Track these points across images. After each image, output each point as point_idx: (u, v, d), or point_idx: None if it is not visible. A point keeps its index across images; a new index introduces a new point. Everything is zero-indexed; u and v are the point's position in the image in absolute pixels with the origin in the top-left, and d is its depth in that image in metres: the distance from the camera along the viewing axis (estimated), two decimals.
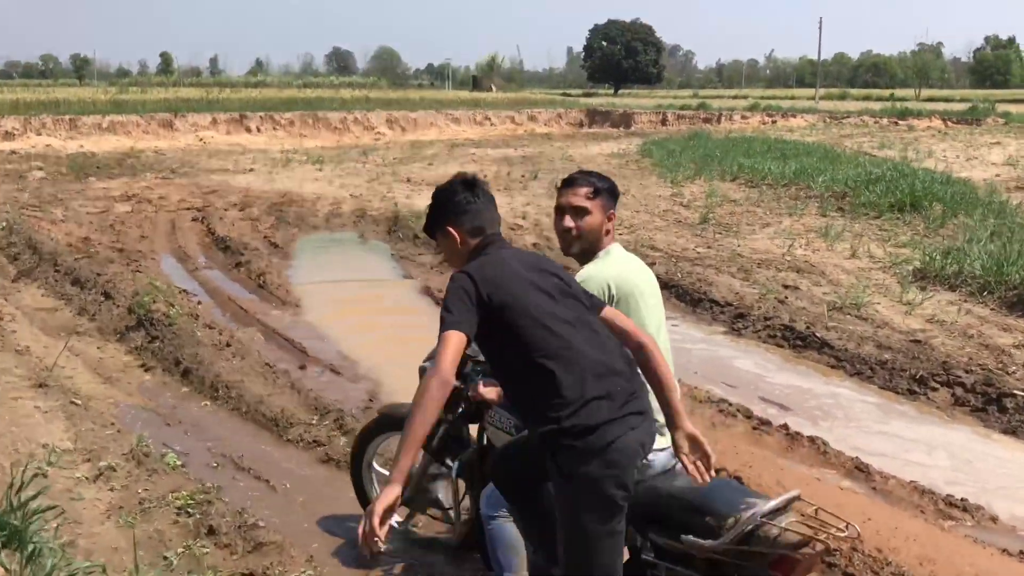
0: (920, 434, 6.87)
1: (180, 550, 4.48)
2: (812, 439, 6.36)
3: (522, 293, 3.24)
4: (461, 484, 4.43)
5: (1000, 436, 6.75)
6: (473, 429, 4.45)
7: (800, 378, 8.05)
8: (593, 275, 3.71)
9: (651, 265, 11.36)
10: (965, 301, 9.65)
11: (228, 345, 8.05)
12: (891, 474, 5.89)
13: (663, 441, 3.51)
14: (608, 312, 3.45)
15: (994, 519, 5.30)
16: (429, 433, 4.33)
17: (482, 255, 3.39)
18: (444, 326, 3.11)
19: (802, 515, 3.28)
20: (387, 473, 4.02)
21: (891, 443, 6.72)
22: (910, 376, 7.64)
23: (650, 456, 3.46)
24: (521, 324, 3.19)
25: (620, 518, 3.19)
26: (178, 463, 5.58)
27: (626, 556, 3.61)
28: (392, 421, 4.60)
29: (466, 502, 4.45)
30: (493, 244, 3.44)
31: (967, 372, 7.53)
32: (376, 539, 2.81)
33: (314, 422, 6.40)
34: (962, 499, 5.48)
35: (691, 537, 3.24)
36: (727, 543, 3.16)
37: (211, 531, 4.59)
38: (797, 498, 3.34)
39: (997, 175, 21.03)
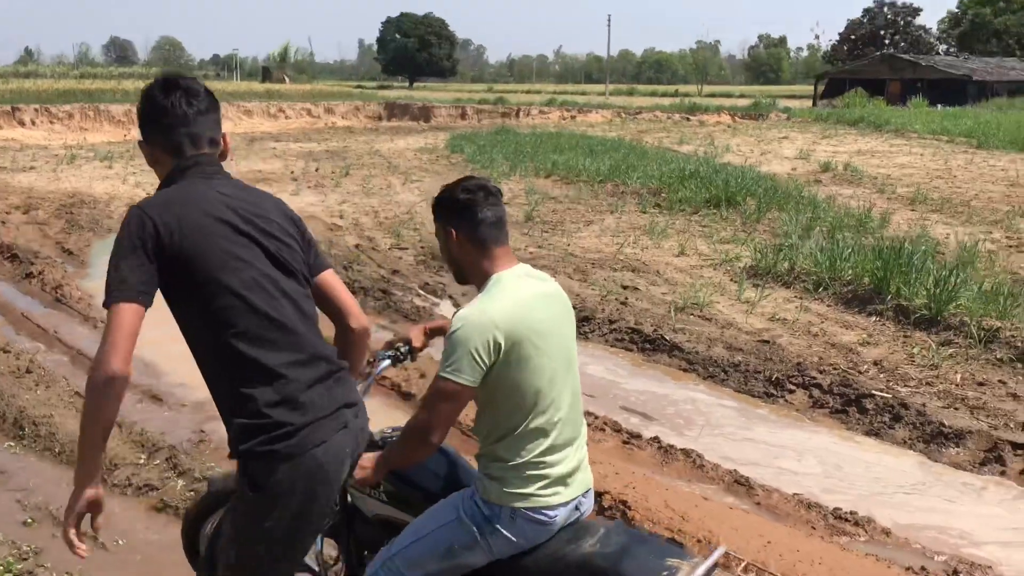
0: (785, 439, 6.73)
1: None
2: (687, 452, 6.10)
3: (219, 247, 2.61)
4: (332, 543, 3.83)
5: (864, 438, 6.69)
6: None
7: (655, 383, 7.81)
8: (469, 320, 2.85)
9: None
10: (801, 298, 9.72)
11: (28, 372, 7.07)
12: (772, 487, 5.68)
13: (565, 494, 3.01)
14: (328, 278, 2.98)
15: (887, 532, 5.15)
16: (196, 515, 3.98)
17: (176, 182, 2.69)
18: (110, 295, 2.45)
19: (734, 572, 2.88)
20: None
21: (758, 450, 6.55)
22: (765, 378, 7.53)
23: (551, 513, 2.98)
24: (212, 289, 2.58)
25: (311, 541, 2.89)
26: None
27: None
28: (223, 499, 3.69)
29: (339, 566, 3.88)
30: (195, 168, 2.71)
31: (821, 372, 7.48)
32: (78, 549, 2.55)
33: (142, 461, 5.61)
34: (851, 512, 5.32)
35: None
36: None
37: None
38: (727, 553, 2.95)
39: (794, 168, 21.86)
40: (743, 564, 2.92)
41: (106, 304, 2.44)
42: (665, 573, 2.77)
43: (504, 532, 2.93)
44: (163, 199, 2.62)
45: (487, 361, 2.83)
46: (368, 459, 3.14)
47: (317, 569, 3.86)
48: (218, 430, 6.31)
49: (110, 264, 2.47)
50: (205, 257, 2.58)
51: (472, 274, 3.07)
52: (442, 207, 3.12)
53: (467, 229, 3.05)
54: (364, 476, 3.10)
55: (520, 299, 2.94)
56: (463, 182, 3.13)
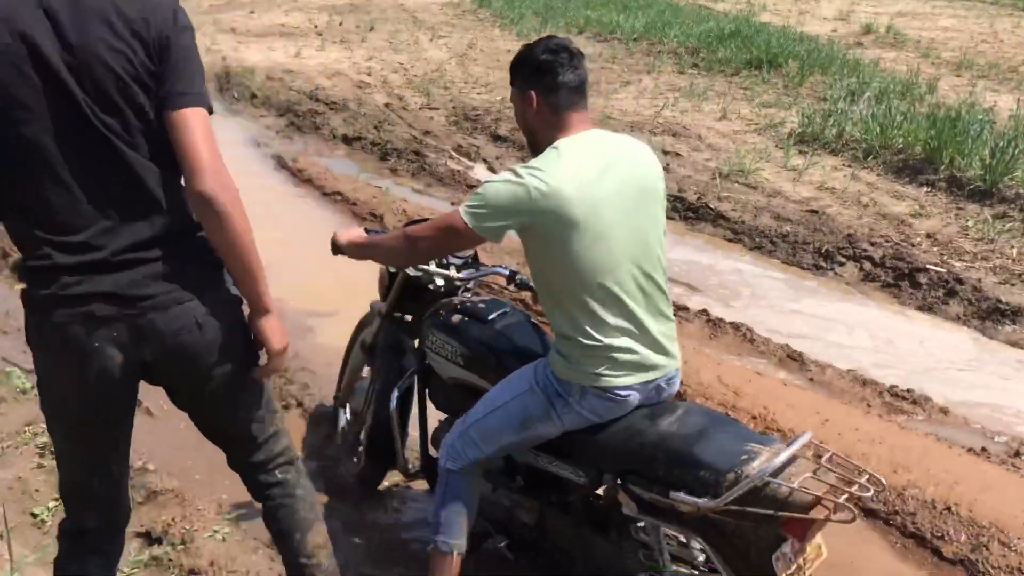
0: (835, 313, 6.58)
1: (52, 504, 3.65)
2: (736, 325, 5.96)
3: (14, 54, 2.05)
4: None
5: (915, 313, 6.53)
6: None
7: (699, 253, 7.62)
8: (511, 177, 2.70)
9: (514, 127, 10.69)
10: (850, 166, 9.40)
11: None
12: (826, 362, 5.55)
13: (642, 375, 2.87)
14: (177, 120, 2.18)
15: (944, 411, 5.04)
16: (363, 326, 3.99)
17: None
18: None
19: (816, 463, 2.69)
20: None
21: (808, 323, 6.41)
22: (814, 249, 7.33)
23: (623, 393, 2.85)
24: None
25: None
26: (28, 385, 4.64)
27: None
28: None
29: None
30: None
31: (872, 245, 7.26)
32: None
33: None
34: (907, 390, 5.19)
35: (682, 495, 2.65)
36: (727, 503, 2.57)
37: None
38: (811, 442, 2.75)
39: (834, 30, 21.04)
40: (829, 455, 2.75)
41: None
42: (744, 457, 2.65)
43: (576, 408, 2.85)
44: None
45: (510, 223, 2.70)
46: (355, 232, 3.21)
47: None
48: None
49: None
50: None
51: (544, 141, 2.84)
52: (522, 69, 2.89)
53: (545, 93, 2.83)
54: (339, 237, 3.18)
55: (576, 168, 2.72)
56: (544, 42, 2.89)
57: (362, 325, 4.19)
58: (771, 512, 2.55)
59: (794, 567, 2.73)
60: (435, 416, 3.71)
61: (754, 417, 4.69)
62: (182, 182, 2.22)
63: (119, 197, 2.18)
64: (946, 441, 4.63)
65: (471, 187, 8.97)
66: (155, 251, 2.22)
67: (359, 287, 5.81)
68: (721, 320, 6.00)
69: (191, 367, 2.33)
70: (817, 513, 2.54)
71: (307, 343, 5.60)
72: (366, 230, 3.31)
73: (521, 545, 3.35)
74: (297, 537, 2.64)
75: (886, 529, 4.01)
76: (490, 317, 3.35)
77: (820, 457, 2.77)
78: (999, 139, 8.72)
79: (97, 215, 2.16)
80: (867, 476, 2.61)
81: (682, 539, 2.92)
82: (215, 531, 3.41)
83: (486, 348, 3.27)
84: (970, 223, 7.69)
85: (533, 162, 2.75)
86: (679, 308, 6.16)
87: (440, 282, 3.49)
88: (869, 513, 4.06)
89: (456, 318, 3.41)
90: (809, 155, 9.67)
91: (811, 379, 5.37)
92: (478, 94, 13.24)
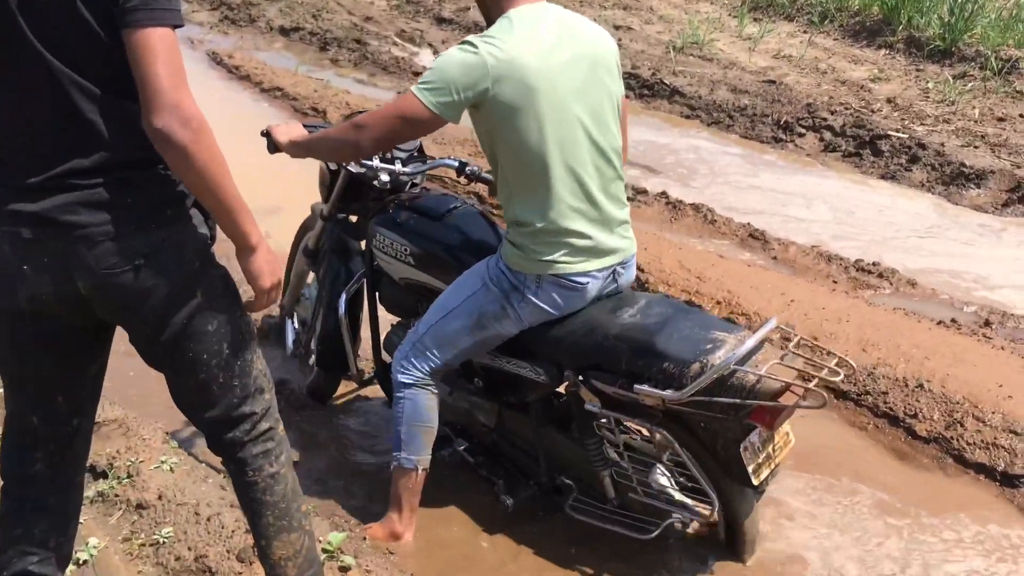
0: (794, 186, 6.42)
1: None
2: (696, 207, 5.77)
3: None
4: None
5: (878, 182, 6.39)
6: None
7: (655, 132, 7.39)
8: (461, 49, 2.55)
9: (459, 7, 10.17)
10: (806, 32, 9.13)
11: None
12: (789, 240, 5.40)
13: (599, 261, 2.74)
14: (133, 42, 1.83)
15: (912, 283, 4.92)
16: (305, 230, 3.70)
17: None
18: None
19: (783, 349, 2.62)
20: None
21: (765, 198, 6.25)
22: (773, 121, 7.13)
23: (581, 280, 2.72)
24: None
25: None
26: None
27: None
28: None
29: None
30: None
31: (832, 113, 7.06)
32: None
33: None
34: (873, 263, 5.06)
35: (646, 387, 2.55)
36: (692, 394, 2.48)
37: None
38: (776, 327, 2.65)
39: None
40: (796, 339, 2.63)
41: None
42: (708, 346, 2.56)
43: (532, 299, 2.74)
44: None
45: (468, 96, 2.53)
46: (294, 129, 3.02)
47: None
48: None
49: None
50: None
51: (496, 12, 2.66)
52: None
53: None
54: (277, 134, 2.99)
55: (531, 36, 2.57)
56: None
57: (304, 229, 3.95)
58: (738, 401, 2.47)
59: (763, 456, 2.67)
60: (387, 320, 3.54)
61: (718, 302, 4.54)
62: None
63: (55, 118, 1.90)
64: (915, 315, 4.52)
65: (417, 74, 8.62)
66: (95, 179, 1.93)
67: (301, 185, 5.51)
68: (681, 202, 5.82)
69: (132, 312, 2.05)
70: (786, 400, 2.47)
71: None
72: (305, 125, 3.10)
73: (481, 448, 3.27)
74: (262, 544, 2.32)
75: (857, 411, 3.90)
76: (440, 212, 3.19)
77: (788, 341, 2.67)
78: None
79: (33, 137, 1.91)
80: (836, 359, 2.54)
81: (646, 434, 2.85)
82: (162, 461, 3.21)
83: (437, 245, 3.12)
84: (930, 85, 7.51)
85: (487, 32, 2.60)
86: (638, 191, 5.97)
87: (385, 178, 3.26)
88: (839, 395, 3.96)
89: (404, 215, 3.24)
90: (764, 22, 9.38)
91: (774, 258, 5.23)
92: None
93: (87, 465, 3.18)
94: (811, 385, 2.45)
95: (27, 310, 2.01)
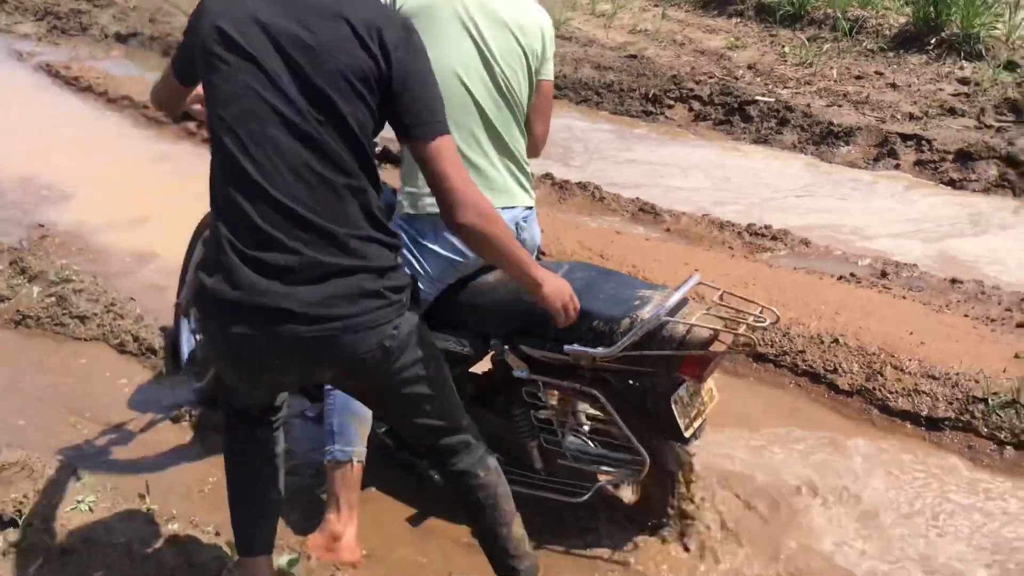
0: (668, 157, 6.48)
1: None
2: (583, 185, 5.74)
3: (228, 51, 1.98)
4: None
5: (751, 147, 6.50)
6: None
7: None
8: None
9: None
10: (657, 5, 9.23)
11: None
12: (679, 211, 5.42)
13: (493, 198, 2.59)
14: (440, 147, 2.07)
15: (806, 243, 5.01)
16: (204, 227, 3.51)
17: None
18: None
19: (709, 303, 2.70)
20: None
21: (642, 171, 6.29)
22: (641, 96, 7.16)
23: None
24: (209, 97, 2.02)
25: None
26: None
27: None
28: None
29: None
30: None
31: (697, 83, 7.15)
32: None
33: None
34: (765, 226, 5.13)
35: (576, 347, 2.57)
36: (623, 349, 2.49)
37: None
38: (700, 283, 2.70)
39: None
40: (719, 293, 2.63)
41: None
42: (636, 303, 2.60)
43: (432, 247, 2.74)
44: None
45: None
46: None
47: None
48: (57, 219, 5.55)
49: None
50: (214, 58, 2.02)
51: None
52: None
53: None
54: None
55: None
56: None
57: (203, 226, 3.74)
58: (670, 352, 2.51)
59: (692, 410, 2.71)
60: None
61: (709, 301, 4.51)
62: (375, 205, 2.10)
63: (316, 206, 2.01)
64: (815, 272, 4.59)
65: None
66: (346, 267, 2.04)
67: (164, 195, 5.57)
68: (567, 182, 5.77)
69: (369, 381, 2.23)
70: (716, 347, 2.51)
71: (133, 271, 5.03)
72: None
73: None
74: (503, 532, 2.48)
75: (777, 371, 3.93)
76: None
77: (718, 293, 2.68)
78: None
79: (291, 223, 2.00)
80: (760, 308, 2.59)
81: (573, 404, 2.89)
82: (78, 501, 2.95)
83: None
84: (787, 49, 7.69)
85: None
86: None
87: None
88: (758, 358, 3.98)
89: None
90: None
91: (667, 230, 5.24)
92: None
93: None
94: (740, 330, 2.50)
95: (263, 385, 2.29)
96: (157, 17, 10.19)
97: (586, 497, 2.82)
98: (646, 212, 5.41)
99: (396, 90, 2.03)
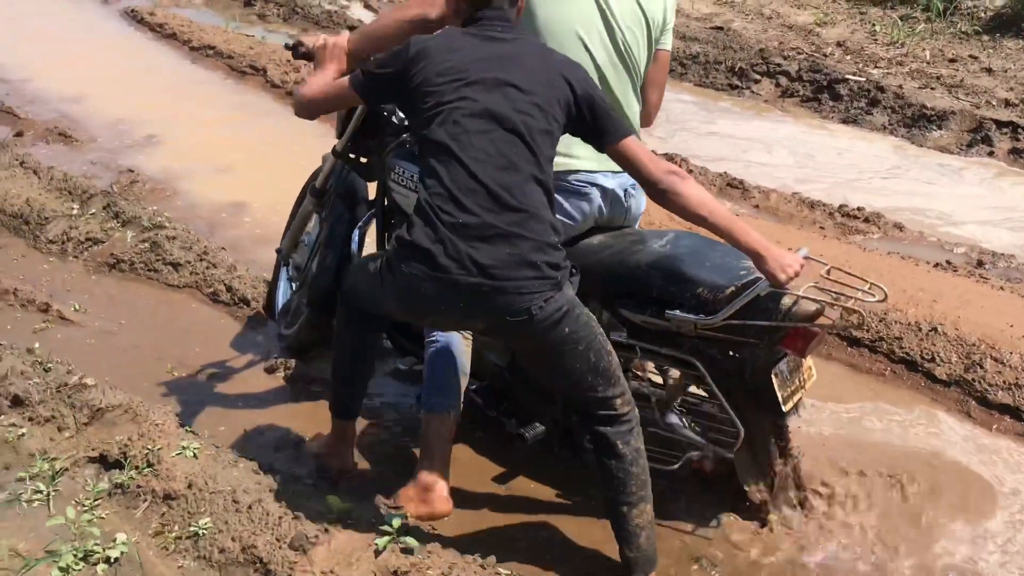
0: (752, 132, 6.39)
1: None
2: (669, 157, 5.67)
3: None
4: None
5: (838, 126, 6.39)
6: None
7: None
8: None
9: None
10: None
11: None
12: (769, 187, 5.35)
13: (604, 164, 2.74)
14: (631, 144, 2.53)
15: (900, 227, 4.92)
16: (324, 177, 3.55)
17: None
18: None
19: (817, 276, 2.64)
20: None
21: (725, 144, 6.22)
22: (727, 69, 7.06)
23: (587, 185, 2.83)
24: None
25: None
26: None
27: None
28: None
29: None
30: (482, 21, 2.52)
31: (785, 59, 7.03)
32: None
33: (75, 212, 4.90)
34: (858, 208, 5.04)
35: (679, 312, 2.57)
36: (726, 318, 2.49)
37: (16, 401, 3.24)
38: (808, 258, 2.62)
39: None
40: (827, 268, 2.62)
41: None
42: (742, 272, 2.58)
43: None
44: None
45: None
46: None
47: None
48: (145, 165, 5.61)
49: None
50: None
51: None
52: None
53: None
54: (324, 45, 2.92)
55: None
56: None
57: (315, 175, 3.71)
58: (774, 323, 2.49)
59: (792, 385, 2.70)
60: None
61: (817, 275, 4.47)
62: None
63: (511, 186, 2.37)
64: (911, 258, 4.52)
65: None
66: (523, 239, 2.34)
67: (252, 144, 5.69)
68: (653, 152, 5.68)
69: (517, 339, 2.52)
70: (822, 322, 2.53)
71: (223, 220, 5.07)
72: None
73: (491, 390, 3.19)
74: (623, 510, 2.57)
75: (873, 357, 3.88)
76: None
77: (825, 268, 2.64)
78: None
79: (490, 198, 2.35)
80: (869, 284, 2.56)
81: (665, 369, 2.87)
82: (183, 448, 3.00)
83: None
84: (878, 28, 7.54)
85: None
86: None
87: (402, 114, 3.16)
88: (853, 343, 3.93)
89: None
90: None
91: (756, 206, 5.18)
92: None
93: (95, 455, 3.00)
94: (849, 304, 2.50)
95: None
96: None
97: (676, 466, 2.81)
98: (734, 187, 5.35)
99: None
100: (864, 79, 6.53)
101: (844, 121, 6.35)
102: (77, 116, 6.43)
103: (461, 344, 2.89)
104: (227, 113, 6.60)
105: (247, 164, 5.70)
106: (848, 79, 6.53)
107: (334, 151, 3.39)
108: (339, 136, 3.38)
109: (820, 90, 6.60)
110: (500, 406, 3.15)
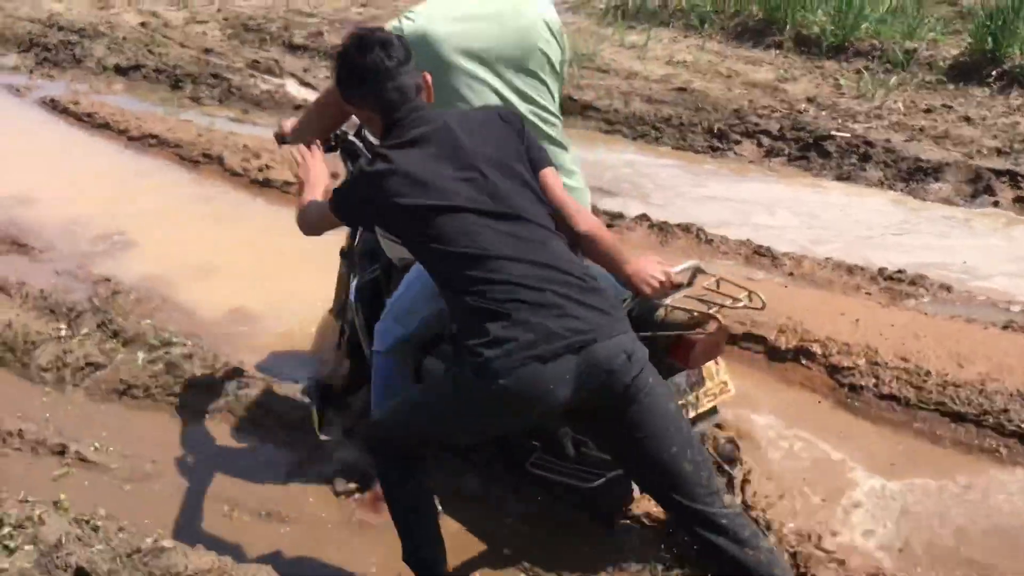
0: (747, 194, 6.22)
1: None
2: (685, 227, 5.44)
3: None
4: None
5: (833, 183, 6.28)
6: None
7: (582, 150, 6.89)
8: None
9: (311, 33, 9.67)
10: (685, 36, 9.03)
11: None
12: (798, 253, 5.16)
13: None
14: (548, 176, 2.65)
15: (947, 288, 4.76)
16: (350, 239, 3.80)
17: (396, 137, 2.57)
18: None
19: (703, 288, 2.83)
20: None
21: (726, 208, 6.01)
22: (704, 131, 6.91)
23: None
24: None
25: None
26: None
27: None
28: None
29: None
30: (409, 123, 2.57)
31: (760, 117, 6.93)
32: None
33: (64, 332, 4.36)
34: (899, 271, 4.87)
35: None
36: None
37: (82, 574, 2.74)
38: (698, 270, 2.79)
39: None
40: (714, 279, 2.86)
41: None
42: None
43: None
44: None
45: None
46: (290, 121, 3.43)
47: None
48: (119, 272, 5.09)
49: None
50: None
51: None
52: None
53: None
54: (284, 129, 3.43)
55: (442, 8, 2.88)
56: None
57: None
58: (649, 334, 2.63)
59: (690, 397, 2.91)
60: None
61: (782, 330, 4.23)
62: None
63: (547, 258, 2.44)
64: (975, 320, 4.36)
65: (297, 108, 7.90)
66: (575, 292, 2.39)
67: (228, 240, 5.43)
68: (666, 223, 5.46)
69: (619, 394, 2.38)
70: (706, 331, 2.72)
71: (230, 330, 4.60)
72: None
73: None
74: None
75: (979, 431, 3.68)
76: None
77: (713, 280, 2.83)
78: None
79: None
80: (748, 293, 2.75)
81: None
82: None
83: None
84: (842, 81, 7.52)
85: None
86: (611, 215, 5.61)
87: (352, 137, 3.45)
88: (957, 417, 3.72)
89: None
90: (643, 30, 9.20)
91: (791, 274, 4.97)
92: (243, 0, 11.84)
93: None
94: (716, 312, 2.72)
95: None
96: (154, 48, 9.69)
97: (596, 484, 2.88)
98: (762, 255, 5.13)
99: None
100: (849, 134, 6.47)
101: (838, 178, 6.25)
102: (24, 221, 5.83)
103: (396, 363, 3.15)
104: (190, 207, 6.10)
105: (231, 263, 5.25)
106: (834, 135, 6.45)
107: None
108: None
109: (806, 148, 6.50)
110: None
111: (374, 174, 2.48)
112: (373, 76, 2.51)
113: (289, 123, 3.40)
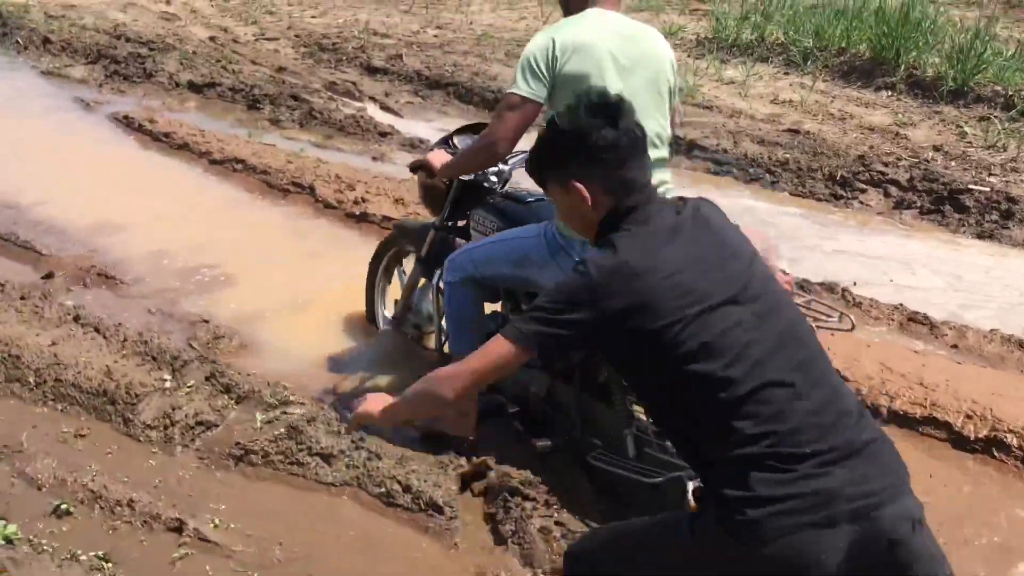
0: (883, 249, 5.76)
1: None
2: (829, 287, 5.00)
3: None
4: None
5: (972, 241, 5.82)
6: None
7: (691, 191, 6.60)
8: (532, 40, 3.06)
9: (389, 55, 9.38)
10: (787, 74, 8.60)
11: None
12: (962, 324, 4.70)
13: None
14: None
15: None
16: (385, 246, 4.16)
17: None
18: None
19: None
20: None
21: (859, 264, 5.56)
22: (826, 177, 6.48)
23: None
24: None
25: None
26: None
27: None
28: (405, 231, 4.25)
29: None
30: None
31: (886, 166, 6.48)
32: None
33: (168, 384, 3.96)
34: None
35: None
36: None
37: None
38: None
39: None
40: (808, 299, 3.21)
41: None
42: None
43: (575, 257, 2.90)
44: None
45: (544, 71, 2.96)
46: (438, 156, 3.54)
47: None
48: (215, 312, 4.70)
49: None
50: None
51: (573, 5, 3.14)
52: None
53: None
54: (429, 163, 3.57)
55: (592, 25, 3.04)
56: None
57: (384, 245, 4.42)
58: None
59: None
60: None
61: (969, 416, 3.78)
62: None
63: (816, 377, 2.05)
64: None
65: (384, 135, 7.53)
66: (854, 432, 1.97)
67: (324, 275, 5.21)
68: (807, 282, 5.02)
69: (895, 564, 1.92)
70: None
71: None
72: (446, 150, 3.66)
73: (532, 416, 3.51)
74: None
75: None
76: (528, 199, 3.57)
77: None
78: (958, 33, 8.13)
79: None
80: (840, 313, 3.07)
81: None
82: None
83: (517, 221, 3.43)
84: (967, 129, 7.08)
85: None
86: None
87: (494, 178, 3.68)
88: None
89: (498, 200, 3.65)
90: (738, 63, 8.79)
91: (954, 346, 4.51)
92: (313, 18, 11.54)
93: None
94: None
95: None
96: (228, 65, 9.36)
97: (658, 480, 2.93)
98: (918, 323, 4.68)
99: None
100: (988, 189, 6.01)
101: (979, 236, 5.79)
102: (109, 250, 5.45)
103: (470, 293, 3.37)
104: (282, 240, 5.72)
105: (328, 304, 4.85)
106: (972, 189, 5.99)
107: (435, 225, 3.88)
108: (435, 213, 3.89)
109: (940, 201, 6.05)
110: (534, 432, 3.45)
111: (611, 273, 2.15)
112: (623, 151, 2.19)
113: (438, 158, 3.53)
